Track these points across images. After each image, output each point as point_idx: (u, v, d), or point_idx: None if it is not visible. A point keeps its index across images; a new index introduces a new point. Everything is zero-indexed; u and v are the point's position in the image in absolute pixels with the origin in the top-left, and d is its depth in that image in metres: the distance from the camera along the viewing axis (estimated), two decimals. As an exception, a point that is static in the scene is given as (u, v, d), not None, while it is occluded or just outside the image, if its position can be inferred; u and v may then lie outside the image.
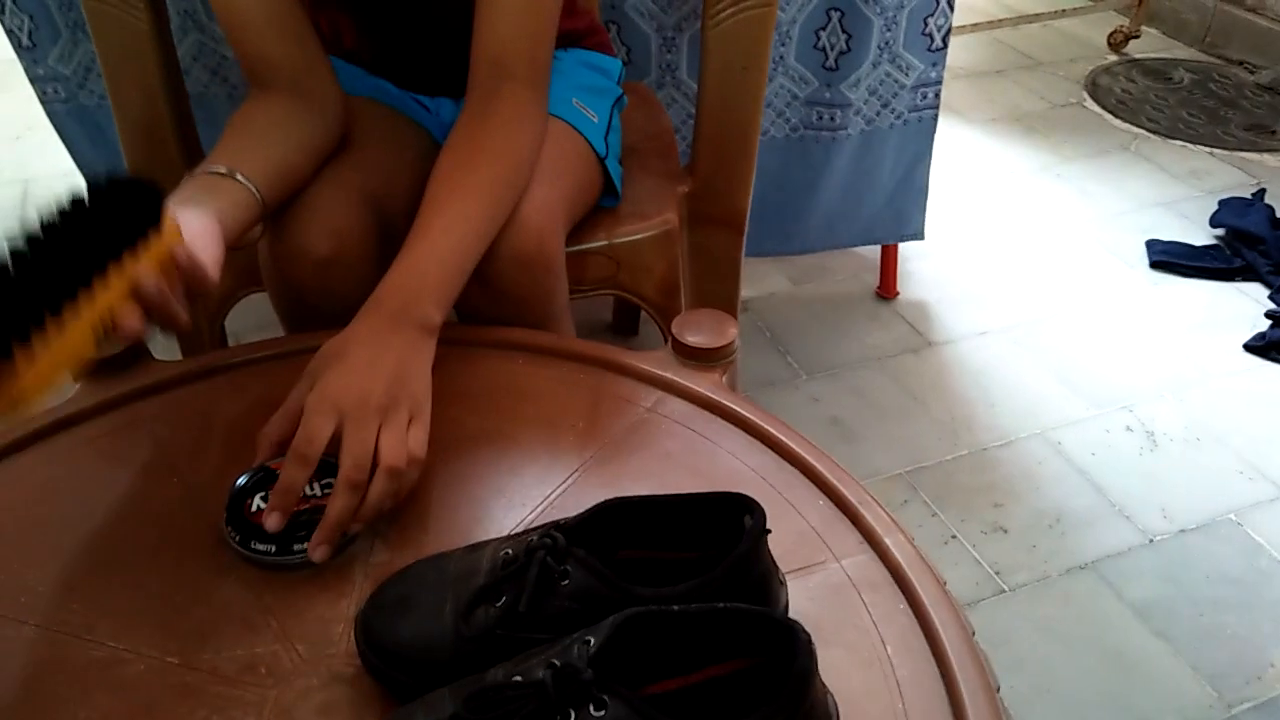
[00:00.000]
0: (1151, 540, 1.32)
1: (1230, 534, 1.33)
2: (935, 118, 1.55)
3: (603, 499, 0.58)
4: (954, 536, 1.32)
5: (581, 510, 0.58)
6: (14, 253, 0.56)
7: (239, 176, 0.76)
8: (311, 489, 0.65)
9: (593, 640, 0.49)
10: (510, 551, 0.57)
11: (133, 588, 0.63)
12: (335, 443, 0.64)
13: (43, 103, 1.60)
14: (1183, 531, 1.33)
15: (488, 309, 0.83)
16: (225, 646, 0.59)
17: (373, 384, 0.66)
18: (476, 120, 0.83)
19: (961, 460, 1.44)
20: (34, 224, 0.58)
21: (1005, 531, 1.33)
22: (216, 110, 1.54)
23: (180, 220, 0.68)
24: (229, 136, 0.82)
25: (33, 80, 1.57)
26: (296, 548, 0.63)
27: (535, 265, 0.82)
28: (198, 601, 0.62)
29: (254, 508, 0.64)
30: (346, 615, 0.60)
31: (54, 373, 0.57)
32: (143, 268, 0.63)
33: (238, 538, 0.63)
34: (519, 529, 0.66)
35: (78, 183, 0.62)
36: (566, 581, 0.54)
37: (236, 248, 0.75)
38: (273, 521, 0.63)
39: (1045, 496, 1.38)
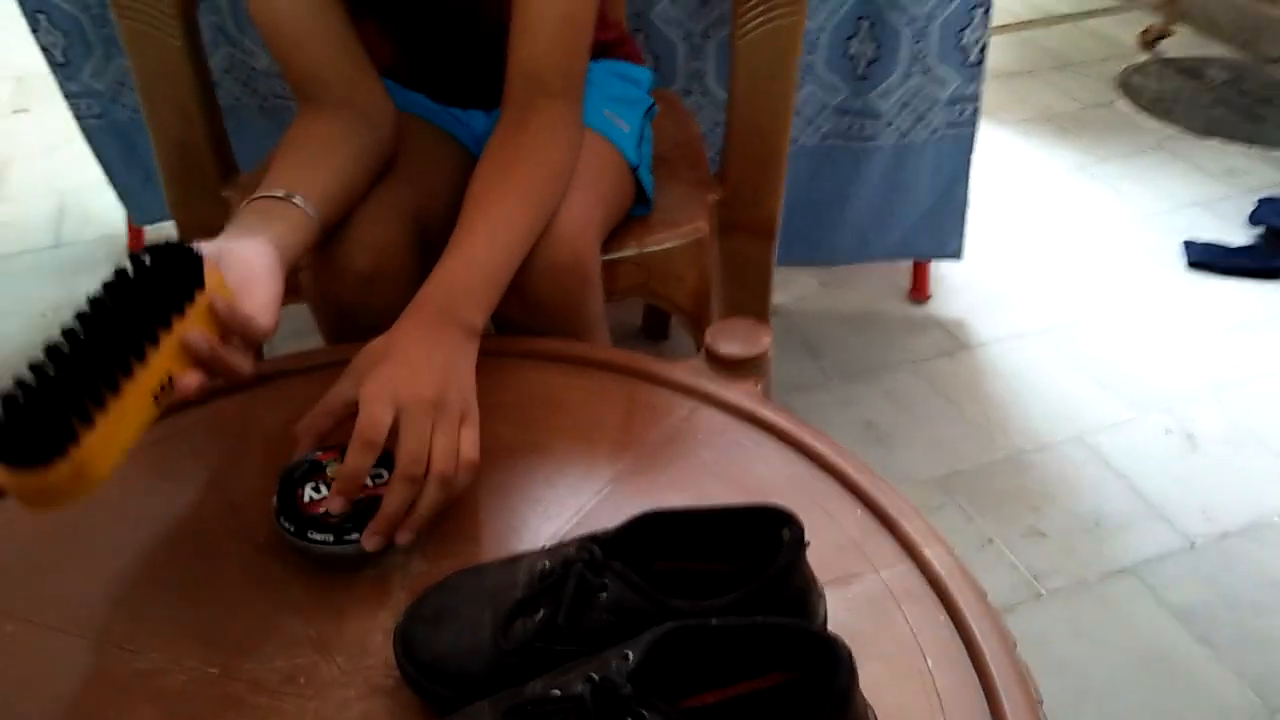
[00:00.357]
0: (1193, 544, 1.30)
1: (1273, 536, 1.30)
2: (973, 135, 1.52)
3: (638, 510, 0.58)
4: (990, 541, 1.31)
5: (617, 522, 0.58)
6: (65, 333, 0.57)
7: (296, 200, 0.76)
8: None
9: (631, 655, 0.49)
10: (548, 564, 0.57)
11: (174, 599, 0.63)
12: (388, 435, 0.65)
13: (76, 118, 1.62)
14: (1224, 534, 1.31)
15: (523, 319, 0.84)
16: (265, 658, 0.59)
17: (426, 379, 0.67)
18: (514, 131, 0.84)
19: (998, 464, 1.42)
20: (82, 304, 0.59)
21: (1043, 535, 1.31)
22: (248, 122, 1.56)
23: (238, 254, 0.69)
24: (284, 157, 0.82)
25: (66, 96, 1.60)
26: (349, 538, 0.63)
27: (571, 276, 0.83)
28: (238, 613, 0.62)
29: (306, 498, 0.64)
30: (385, 627, 0.61)
31: (120, 446, 0.58)
32: (189, 327, 0.64)
33: (292, 529, 0.64)
34: (555, 540, 0.66)
35: (119, 257, 0.63)
36: (604, 594, 0.54)
37: (298, 270, 0.76)
38: (336, 505, 0.63)
39: (1083, 500, 1.36)
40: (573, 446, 0.75)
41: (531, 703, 0.49)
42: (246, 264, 0.69)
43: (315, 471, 0.66)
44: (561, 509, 0.69)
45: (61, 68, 1.56)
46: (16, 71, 2.51)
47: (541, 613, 0.55)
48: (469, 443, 0.67)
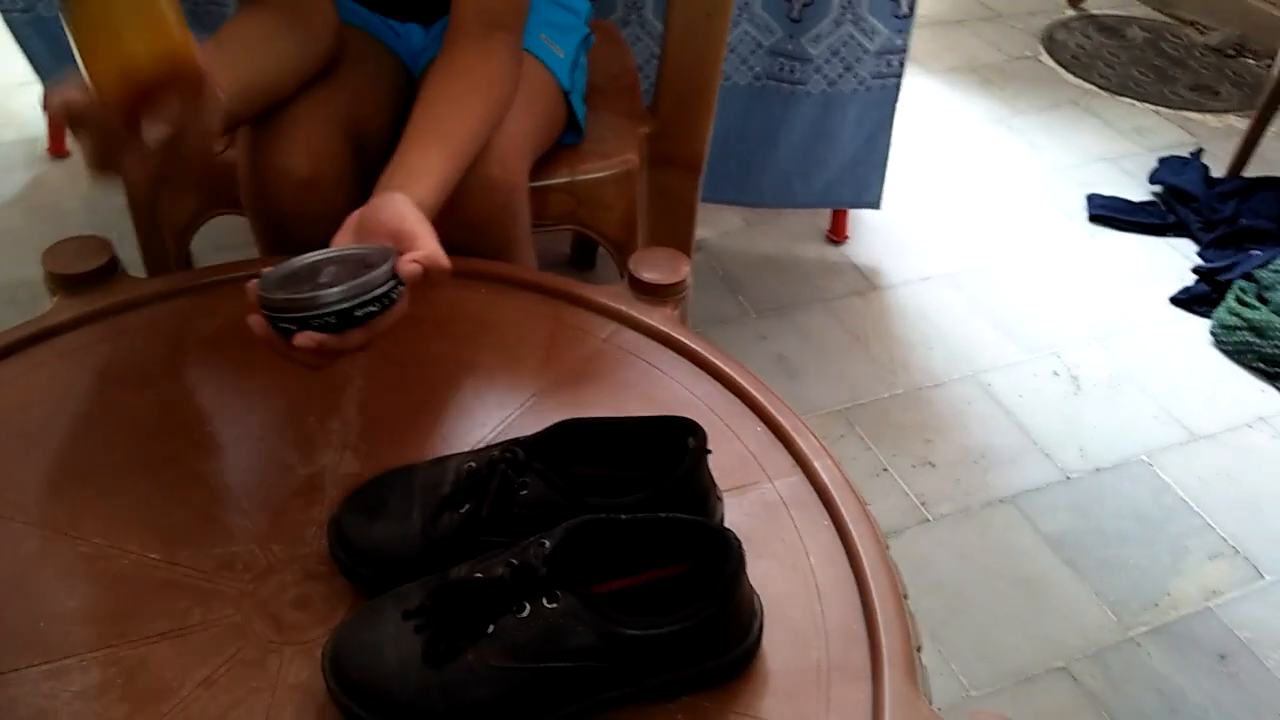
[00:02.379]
0: (1068, 477, 1.41)
1: (1141, 474, 1.43)
2: (898, 86, 1.58)
3: (557, 421, 0.64)
4: (885, 469, 1.40)
5: (539, 429, 0.63)
6: None
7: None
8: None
9: (548, 543, 0.55)
10: (474, 464, 0.62)
11: (115, 491, 0.67)
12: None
13: (2, 12, 1.57)
14: (1098, 470, 1.43)
15: (451, 233, 0.87)
16: (204, 545, 0.64)
17: None
18: (465, 57, 0.86)
19: (897, 399, 1.52)
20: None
21: (933, 466, 1.41)
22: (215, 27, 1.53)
23: None
24: (215, 44, 0.83)
25: None
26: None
27: (500, 189, 0.86)
28: (176, 505, 0.66)
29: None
30: (318, 520, 0.66)
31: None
32: None
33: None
34: (480, 446, 0.71)
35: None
36: (525, 491, 0.60)
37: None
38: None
39: (972, 434, 1.46)
40: (499, 361, 0.80)
41: (457, 584, 0.55)
42: None
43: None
44: (487, 418, 0.74)
45: (-18, -39, 1.51)
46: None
47: (467, 507, 0.60)
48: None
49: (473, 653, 0.53)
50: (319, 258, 0.68)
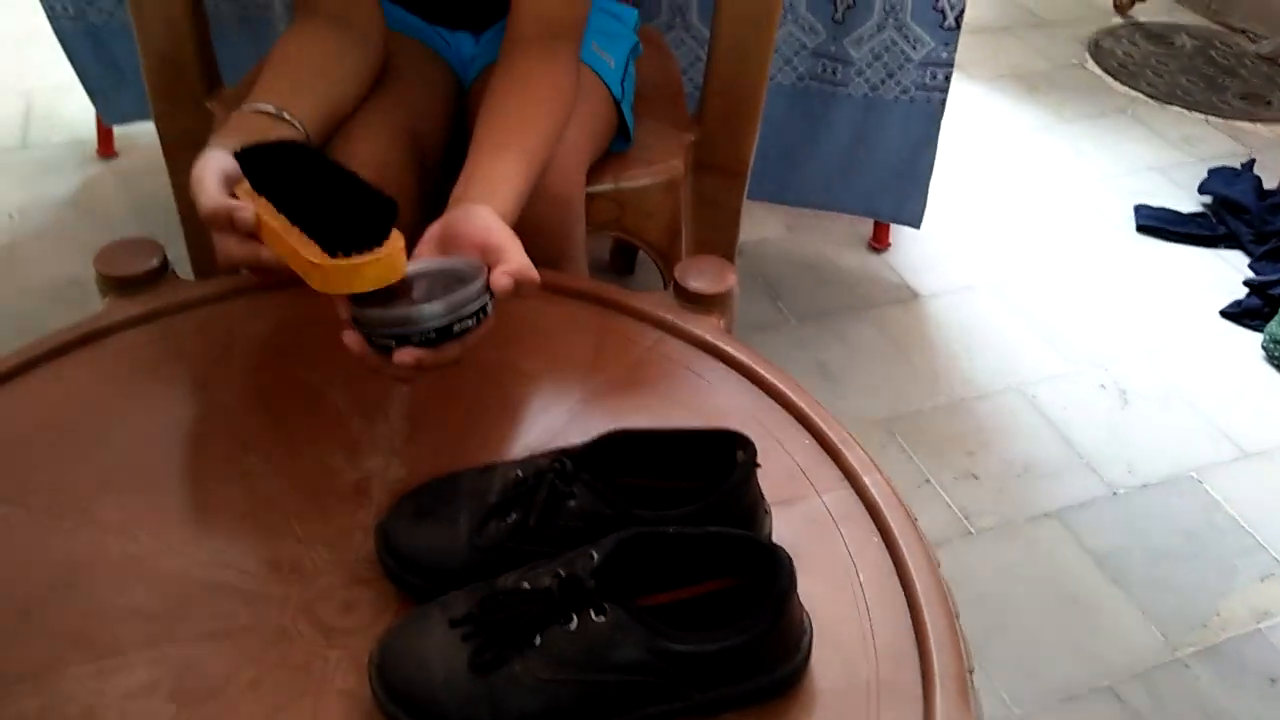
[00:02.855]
0: (1115, 493, 1.39)
1: (1190, 490, 1.40)
2: (944, 102, 1.55)
3: (602, 430, 0.63)
4: (927, 480, 1.38)
5: (584, 439, 0.63)
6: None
7: (288, 116, 0.78)
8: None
9: (596, 555, 0.55)
10: (520, 473, 0.62)
11: (164, 491, 0.67)
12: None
13: (50, 19, 1.59)
14: (1145, 486, 1.40)
15: None
16: (252, 547, 0.64)
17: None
18: (528, 67, 0.86)
19: (939, 409, 1.50)
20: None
21: (976, 478, 1.39)
22: (228, 33, 1.55)
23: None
24: (276, 70, 0.84)
25: None
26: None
27: (558, 202, 0.87)
28: (225, 506, 0.67)
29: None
30: (365, 524, 0.66)
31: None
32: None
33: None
34: (525, 454, 0.71)
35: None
36: (573, 502, 0.59)
37: None
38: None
39: (1016, 447, 1.44)
40: (545, 368, 0.79)
41: (503, 593, 0.55)
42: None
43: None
44: (533, 426, 0.74)
45: (34, -35, 1.54)
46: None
47: (514, 516, 0.60)
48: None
49: (519, 663, 0.53)
50: (409, 272, 0.68)
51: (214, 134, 0.77)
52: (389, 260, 0.65)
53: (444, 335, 0.65)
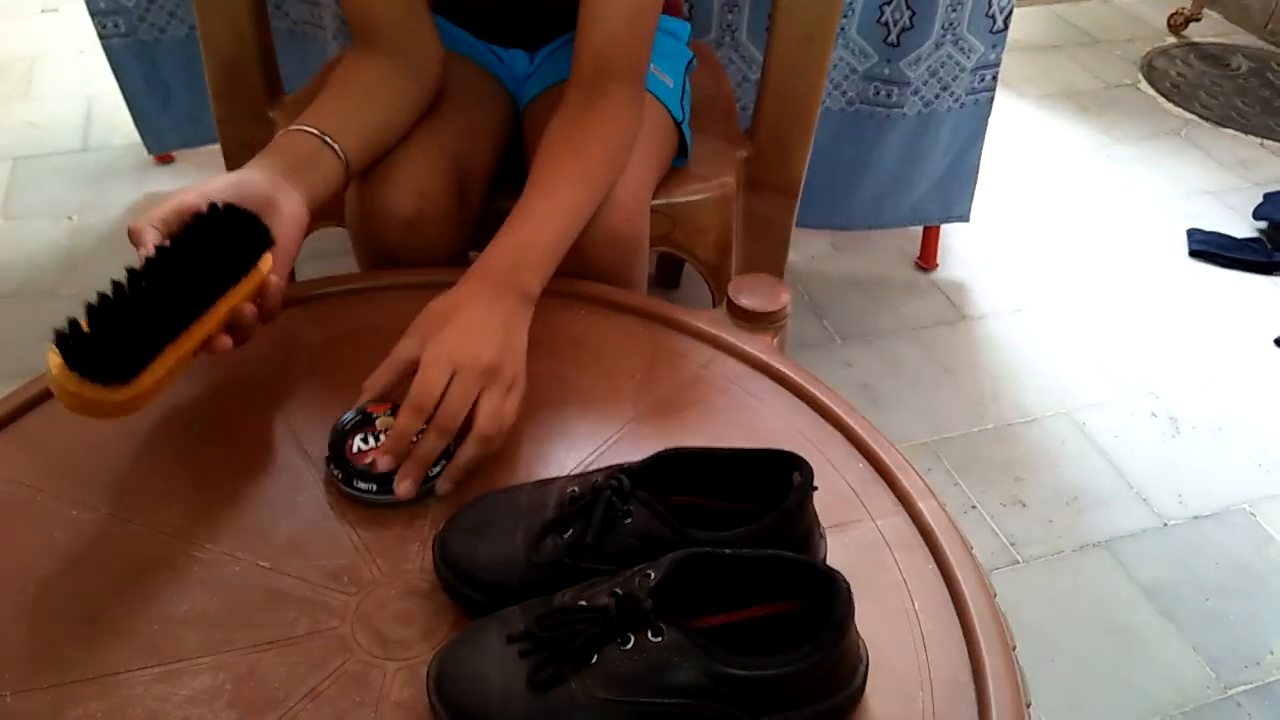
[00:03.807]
0: (1165, 524, 1.36)
1: (1243, 523, 1.37)
2: (991, 100, 1.55)
3: (656, 447, 0.63)
4: (974, 506, 1.37)
5: (637, 456, 0.63)
6: (147, 263, 0.64)
7: (330, 141, 0.80)
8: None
9: (653, 575, 0.55)
10: (577, 489, 0.62)
11: (226, 499, 0.68)
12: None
13: (101, 37, 1.61)
14: (1196, 518, 1.37)
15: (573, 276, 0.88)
16: (312, 556, 0.65)
17: (485, 344, 0.70)
18: (582, 112, 0.87)
19: (986, 433, 1.48)
20: (154, 252, 0.66)
21: (1023, 505, 1.37)
22: (276, 45, 1.57)
23: (283, 221, 0.74)
24: (330, 95, 0.86)
25: (93, 14, 1.59)
26: (397, 488, 0.68)
27: (625, 244, 0.88)
28: (286, 516, 0.68)
29: (354, 448, 0.69)
30: (422, 536, 0.66)
31: (161, 385, 0.66)
32: (241, 296, 0.70)
33: (340, 475, 0.69)
34: (578, 469, 0.72)
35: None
36: (629, 520, 0.59)
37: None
38: (384, 463, 0.67)
39: (1065, 475, 1.42)
40: (598, 384, 0.80)
41: (560, 611, 0.55)
42: (284, 236, 0.75)
43: (366, 423, 0.71)
44: (586, 441, 0.74)
45: (87, -20, 1.56)
46: (45, -32, 2.50)
47: (570, 532, 0.60)
48: (510, 410, 0.71)
49: (576, 681, 0.53)
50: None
51: (261, 152, 0.79)
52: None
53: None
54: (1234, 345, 1.67)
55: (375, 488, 0.68)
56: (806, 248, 1.82)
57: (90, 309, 0.61)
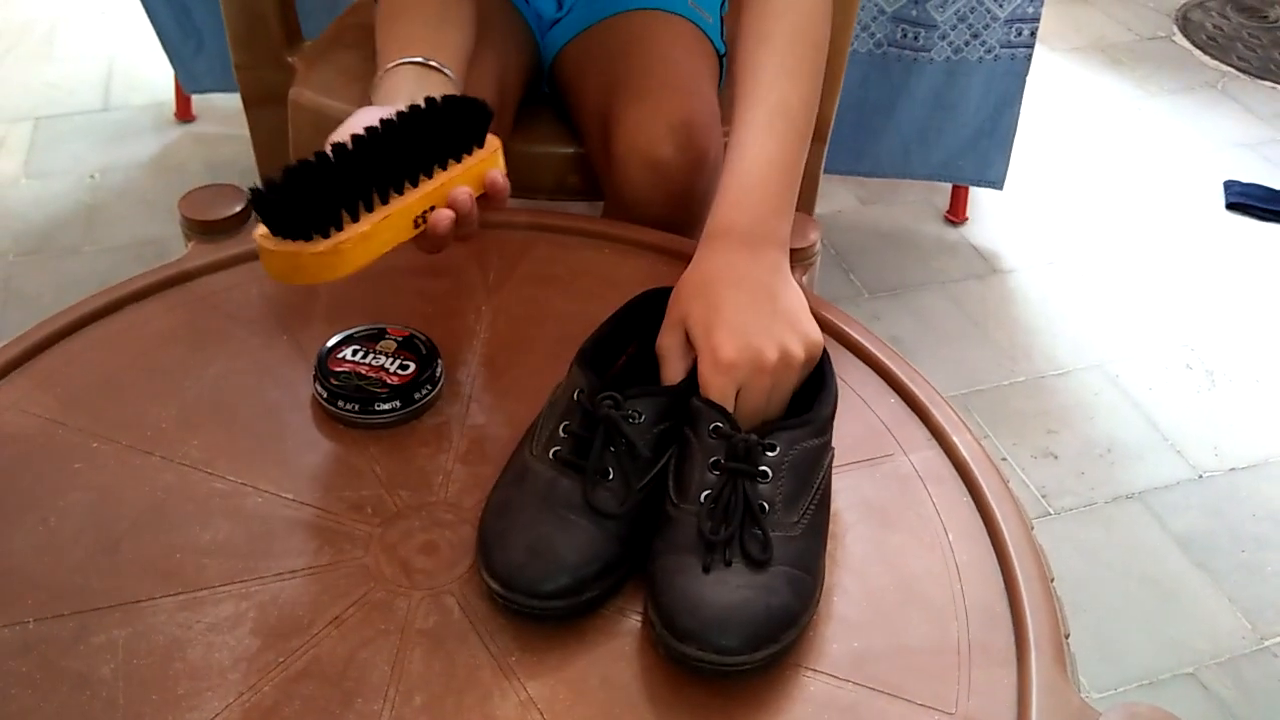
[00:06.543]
0: (1201, 476, 1.33)
1: (1278, 475, 1.34)
2: (1029, 58, 1.50)
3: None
4: (1004, 459, 1.34)
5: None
6: (357, 139, 0.62)
7: (435, 64, 0.76)
8: (390, 364, 0.69)
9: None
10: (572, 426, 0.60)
11: (247, 431, 0.68)
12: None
13: None
14: (1233, 470, 1.34)
15: (646, 202, 0.87)
16: (334, 488, 0.64)
17: (765, 343, 0.60)
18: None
19: (1018, 386, 1.45)
20: (382, 120, 0.64)
21: (1055, 457, 1.35)
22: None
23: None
24: (403, 21, 0.82)
25: None
26: (379, 407, 0.67)
27: (710, 166, 0.87)
28: (308, 448, 0.67)
29: (342, 354, 0.69)
30: (445, 468, 0.65)
31: (372, 250, 0.64)
32: (461, 179, 0.68)
33: (325, 394, 0.68)
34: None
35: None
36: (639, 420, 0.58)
37: None
38: None
39: (1098, 427, 1.40)
40: (623, 321, 0.78)
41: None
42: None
43: (354, 340, 0.70)
44: (611, 377, 0.73)
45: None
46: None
47: (611, 475, 0.58)
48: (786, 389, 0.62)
49: None
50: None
51: (380, 93, 0.75)
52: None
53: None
54: (1271, 297, 1.63)
55: (356, 407, 0.67)
56: (833, 201, 1.79)
57: (288, 169, 0.60)
